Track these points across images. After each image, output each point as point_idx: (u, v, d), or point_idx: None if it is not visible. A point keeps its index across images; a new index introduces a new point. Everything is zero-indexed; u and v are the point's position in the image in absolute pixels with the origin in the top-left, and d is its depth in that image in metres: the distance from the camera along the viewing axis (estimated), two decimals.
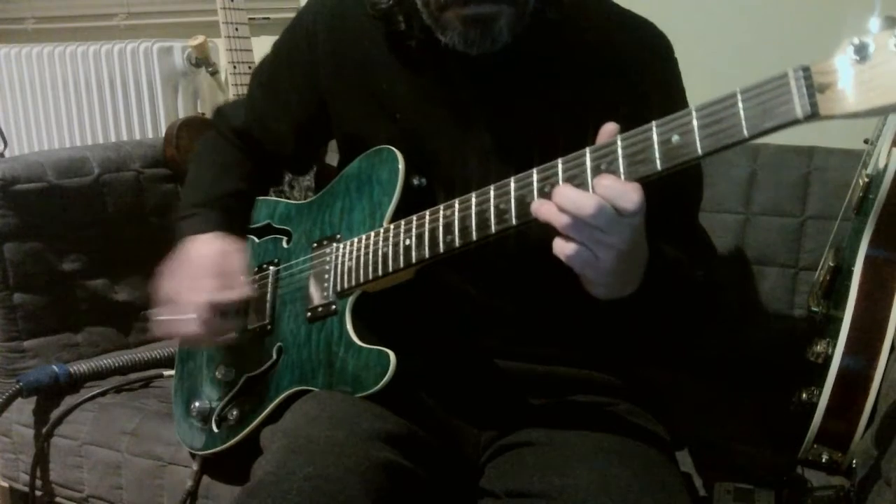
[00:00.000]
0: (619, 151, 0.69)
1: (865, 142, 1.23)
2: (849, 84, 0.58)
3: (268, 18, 1.99)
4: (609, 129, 0.72)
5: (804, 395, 1.12)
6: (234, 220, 1.08)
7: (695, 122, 0.65)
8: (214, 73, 2.10)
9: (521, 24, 0.86)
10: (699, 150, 0.65)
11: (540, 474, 0.85)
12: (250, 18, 1.74)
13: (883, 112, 0.57)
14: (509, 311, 0.96)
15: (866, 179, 1.14)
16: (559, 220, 0.71)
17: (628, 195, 0.69)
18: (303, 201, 1.08)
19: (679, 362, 1.37)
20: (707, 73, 1.01)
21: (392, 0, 0.91)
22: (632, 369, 1.02)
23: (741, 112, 0.63)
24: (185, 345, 1.14)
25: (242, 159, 1.13)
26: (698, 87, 0.90)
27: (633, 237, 0.71)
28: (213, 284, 0.96)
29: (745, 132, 0.63)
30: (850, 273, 1.08)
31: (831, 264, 1.17)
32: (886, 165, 1.07)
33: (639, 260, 0.76)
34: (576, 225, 0.70)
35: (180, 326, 0.97)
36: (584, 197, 0.70)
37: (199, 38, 2.02)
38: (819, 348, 1.10)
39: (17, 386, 1.30)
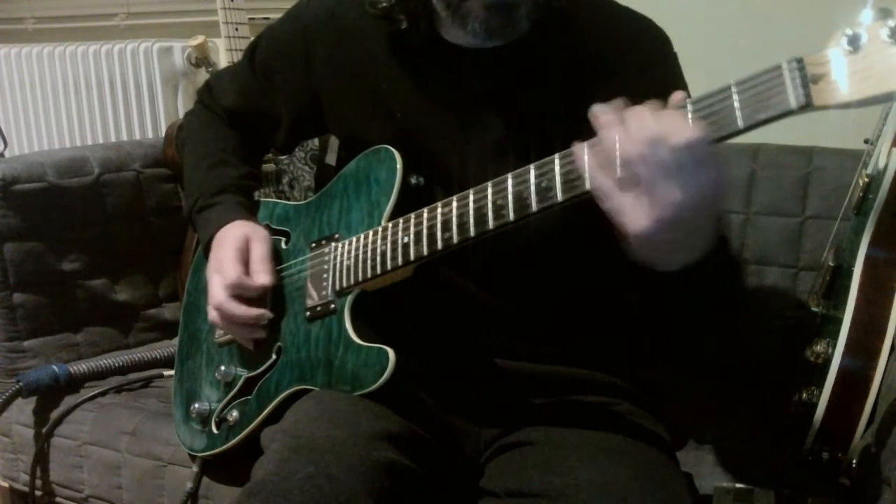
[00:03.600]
0: None
1: (865, 142, 1.23)
2: (842, 74, 0.59)
3: (268, 18, 1.98)
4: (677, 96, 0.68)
5: (804, 395, 1.12)
6: (250, 204, 1.10)
7: (690, 115, 0.65)
8: None
9: (536, 12, 0.86)
10: None
11: (540, 474, 0.85)
12: (250, 18, 1.73)
13: (876, 102, 0.58)
14: (509, 310, 0.96)
15: (866, 179, 1.14)
16: (612, 137, 0.65)
17: (683, 130, 0.63)
18: (301, 202, 1.08)
19: (679, 362, 1.37)
20: (703, 66, 1.01)
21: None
22: (632, 369, 1.02)
23: (736, 104, 0.63)
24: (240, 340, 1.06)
25: (241, 139, 1.15)
26: (694, 80, 0.91)
27: (694, 197, 0.63)
28: (236, 270, 0.97)
29: (740, 123, 0.63)
30: (850, 273, 1.08)
31: (831, 264, 1.17)
32: (886, 165, 1.07)
33: (691, 238, 0.68)
34: (630, 149, 0.64)
35: (209, 313, 0.99)
36: (650, 119, 0.64)
37: (199, 38, 2.01)
38: (819, 348, 1.10)
39: (17, 386, 1.30)
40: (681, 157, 0.63)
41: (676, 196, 0.63)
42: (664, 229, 0.65)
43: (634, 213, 0.65)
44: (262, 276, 0.99)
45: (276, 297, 1.02)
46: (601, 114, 0.67)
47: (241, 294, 0.98)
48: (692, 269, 0.71)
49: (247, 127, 1.15)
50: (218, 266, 1.00)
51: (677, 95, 0.67)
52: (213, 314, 1.01)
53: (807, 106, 0.60)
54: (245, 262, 1.00)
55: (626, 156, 0.65)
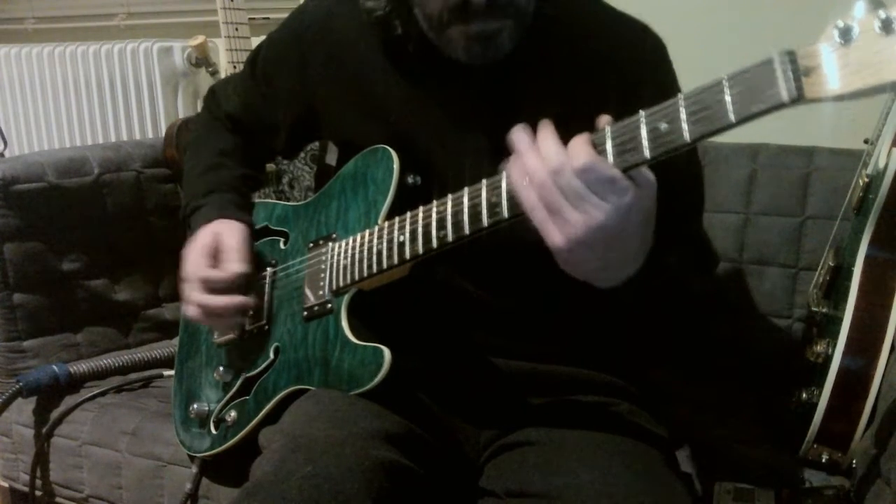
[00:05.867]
0: (608, 141, 0.69)
1: (865, 142, 1.23)
2: (833, 67, 0.58)
3: (268, 18, 1.99)
4: (603, 120, 0.71)
5: (804, 395, 1.12)
6: (243, 202, 1.11)
7: (682, 110, 0.65)
8: (214, 73, 2.10)
9: (521, 33, 0.87)
10: (686, 137, 0.65)
11: (540, 474, 0.85)
12: (250, 18, 1.74)
13: (868, 94, 0.57)
14: (507, 309, 0.96)
15: (866, 179, 1.13)
16: (526, 161, 0.70)
17: (583, 155, 0.67)
18: (300, 202, 1.08)
19: (679, 362, 1.37)
20: (696, 60, 1.01)
21: (388, 7, 0.91)
22: (632, 369, 1.02)
23: (727, 98, 0.63)
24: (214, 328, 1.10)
25: (240, 143, 1.15)
26: (689, 74, 0.90)
27: (604, 220, 0.67)
28: (204, 263, 0.99)
29: (732, 117, 0.63)
30: (850, 273, 1.08)
31: (831, 264, 1.17)
32: (886, 165, 1.07)
33: (613, 262, 0.72)
34: (537, 175, 0.68)
35: (185, 311, 1.01)
36: (554, 150, 0.68)
37: (199, 38, 2.02)
38: (819, 348, 1.10)
39: (17, 386, 1.30)
40: (585, 180, 0.66)
41: (585, 218, 0.67)
42: (579, 249, 0.68)
43: (551, 232, 0.69)
44: (231, 264, 1.00)
45: (274, 298, 1.02)
46: (518, 139, 0.71)
47: (213, 287, 0.99)
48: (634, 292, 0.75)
49: (248, 133, 1.15)
50: (186, 267, 1.01)
51: (602, 120, 0.70)
52: (192, 311, 1.01)
53: (799, 99, 0.60)
54: (213, 257, 1.01)
55: (536, 180, 0.68)
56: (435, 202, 0.84)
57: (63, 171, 1.47)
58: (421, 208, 0.85)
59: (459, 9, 0.83)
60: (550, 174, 0.68)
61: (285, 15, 1.09)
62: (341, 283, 0.93)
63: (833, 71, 0.58)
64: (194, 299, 0.99)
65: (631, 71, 0.92)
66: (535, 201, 0.69)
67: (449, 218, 0.81)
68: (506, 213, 0.76)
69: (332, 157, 1.68)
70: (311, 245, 1.00)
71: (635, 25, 0.96)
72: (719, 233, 1.41)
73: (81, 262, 1.50)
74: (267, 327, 1.02)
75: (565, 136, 0.73)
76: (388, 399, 0.87)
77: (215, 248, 1.02)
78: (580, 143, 0.68)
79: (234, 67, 1.71)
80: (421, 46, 0.92)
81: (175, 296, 1.65)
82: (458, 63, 0.88)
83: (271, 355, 1.00)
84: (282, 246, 1.06)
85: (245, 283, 1.01)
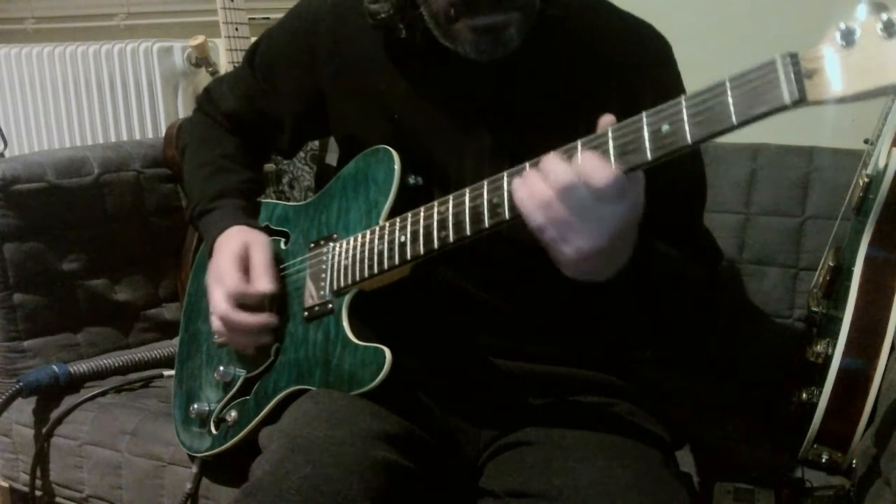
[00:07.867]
0: (610, 142, 0.69)
1: (865, 142, 1.23)
2: (836, 69, 0.58)
3: (268, 18, 1.98)
4: (606, 120, 0.72)
5: (804, 395, 1.12)
6: (251, 208, 1.10)
7: (684, 111, 0.65)
8: (214, 73, 2.09)
9: (528, 27, 0.87)
10: (688, 139, 0.65)
11: (540, 474, 0.85)
12: (250, 18, 1.74)
13: (870, 96, 0.57)
14: (508, 310, 0.96)
15: (866, 179, 1.13)
16: (535, 188, 0.71)
17: (601, 172, 0.68)
18: (300, 202, 1.08)
19: (680, 362, 1.37)
20: (700, 63, 1.01)
21: (392, 10, 0.91)
22: (632, 369, 1.02)
23: (730, 99, 0.63)
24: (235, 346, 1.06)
25: (241, 144, 1.15)
26: (692, 77, 0.90)
27: (608, 230, 0.69)
28: (239, 276, 0.97)
29: (734, 119, 0.63)
30: (850, 273, 1.08)
31: (831, 264, 1.17)
32: (886, 165, 1.07)
33: (616, 256, 0.74)
34: (547, 201, 0.70)
35: (211, 322, 0.99)
36: (563, 168, 0.70)
37: (199, 38, 2.02)
38: (819, 348, 1.10)
39: (17, 386, 1.30)
40: (604, 193, 0.68)
41: (598, 229, 0.69)
42: (588, 260, 0.71)
43: (559, 247, 0.70)
44: (263, 282, 0.97)
45: (274, 298, 1.02)
46: (524, 169, 0.73)
47: (244, 302, 0.97)
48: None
49: (248, 131, 1.14)
50: (218, 275, 0.99)
51: (605, 119, 0.71)
52: (216, 324, 0.99)
53: (801, 101, 0.60)
54: (245, 270, 0.99)
55: (547, 199, 0.70)
56: (436, 202, 0.84)
57: (63, 171, 1.47)
58: (422, 208, 0.85)
59: (467, 2, 0.83)
60: (562, 191, 0.69)
61: None
62: (342, 284, 0.93)
63: (835, 73, 0.58)
64: (222, 310, 0.97)
65: (635, 71, 0.92)
66: (544, 221, 0.70)
67: (450, 218, 0.81)
68: (507, 214, 0.76)
69: (332, 158, 1.68)
70: (312, 245, 1.00)
71: (640, 26, 0.96)
72: (719, 233, 1.39)
73: (81, 262, 1.50)
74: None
75: (567, 137, 0.73)
76: (388, 399, 0.87)
77: (246, 260, 0.99)
78: (593, 157, 0.69)
79: (234, 67, 1.71)
80: (425, 47, 0.92)
81: (175, 296, 1.65)
82: (462, 63, 0.88)
83: (272, 355, 1.00)
84: (282, 246, 1.06)
85: (269, 302, 1.00)
